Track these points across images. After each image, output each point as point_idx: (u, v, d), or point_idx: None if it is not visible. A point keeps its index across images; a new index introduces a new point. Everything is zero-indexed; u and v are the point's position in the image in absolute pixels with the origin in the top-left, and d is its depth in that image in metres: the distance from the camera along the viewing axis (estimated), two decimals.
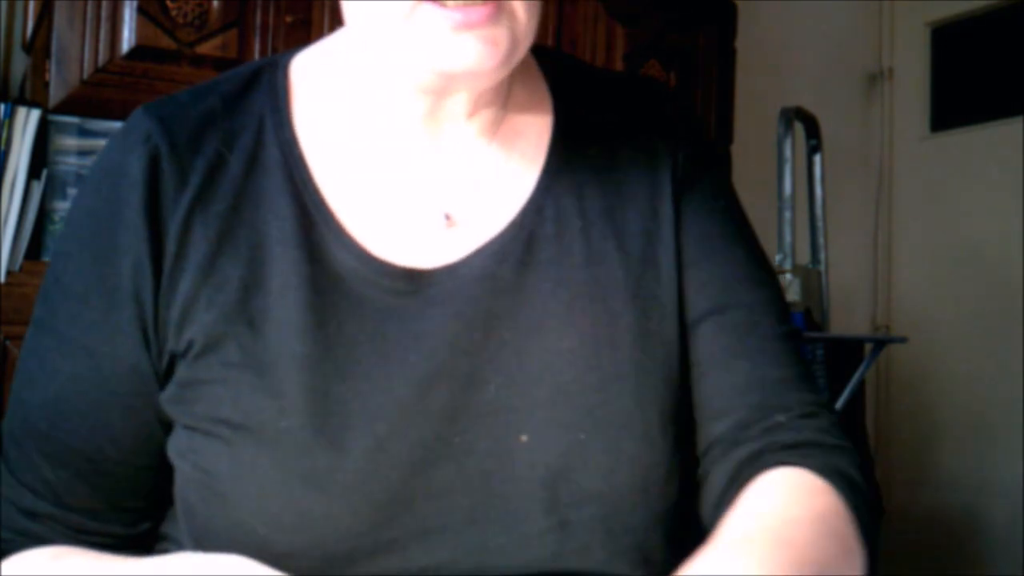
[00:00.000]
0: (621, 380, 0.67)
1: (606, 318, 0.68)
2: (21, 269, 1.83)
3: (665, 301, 0.70)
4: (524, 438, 0.65)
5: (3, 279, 1.79)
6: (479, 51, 0.62)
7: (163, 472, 0.69)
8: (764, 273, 0.74)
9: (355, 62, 0.70)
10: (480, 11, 0.61)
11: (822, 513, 0.62)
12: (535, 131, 0.73)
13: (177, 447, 0.67)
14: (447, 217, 0.69)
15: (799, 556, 0.57)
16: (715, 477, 0.69)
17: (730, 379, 0.69)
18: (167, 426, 0.68)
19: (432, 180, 0.70)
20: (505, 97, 0.73)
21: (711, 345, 0.70)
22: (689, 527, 0.70)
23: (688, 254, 0.72)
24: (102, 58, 1.86)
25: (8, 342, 1.78)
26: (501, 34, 0.62)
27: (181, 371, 0.66)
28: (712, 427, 0.70)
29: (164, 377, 0.67)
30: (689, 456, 0.70)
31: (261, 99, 0.71)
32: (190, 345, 0.66)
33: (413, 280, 0.67)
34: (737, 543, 0.58)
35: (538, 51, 0.78)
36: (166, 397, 0.67)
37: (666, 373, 0.69)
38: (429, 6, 0.61)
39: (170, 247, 0.66)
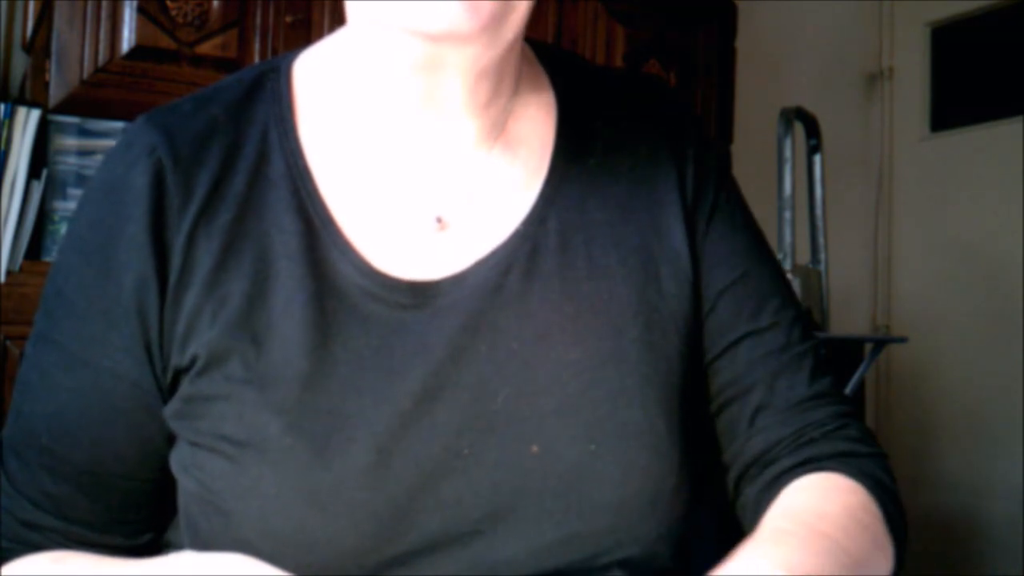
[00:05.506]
0: (628, 393, 0.67)
1: (611, 332, 0.68)
2: (21, 269, 1.83)
3: (666, 316, 0.70)
4: (535, 449, 0.64)
5: (3, 279, 1.79)
6: (458, 11, 0.60)
7: (166, 484, 0.68)
8: (788, 288, 0.76)
9: (354, 55, 0.69)
10: None
11: (853, 508, 0.65)
12: (538, 138, 0.72)
13: (181, 461, 0.66)
14: (438, 220, 0.68)
15: (835, 545, 0.60)
16: (749, 492, 0.72)
17: (763, 399, 0.72)
18: (170, 440, 0.67)
19: (427, 184, 0.69)
20: (509, 96, 0.71)
21: (743, 366, 0.72)
22: (696, 539, 0.71)
23: (715, 276, 0.73)
24: (102, 58, 1.86)
25: (8, 342, 1.78)
26: None
27: (185, 386, 0.65)
28: (746, 447, 0.72)
29: (168, 392, 0.66)
30: (697, 470, 0.70)
31: (264, 108, 0.70)
32: (194, 360, 0.65)
33: (418, 292, 0.67)
34: (777, 535, 0.61)
35: (543, 50, 0.77)
36: (170, 412, 0.66)
37: (671, 386, 0.69)
38: None
39: (175, 262, 0.65)
